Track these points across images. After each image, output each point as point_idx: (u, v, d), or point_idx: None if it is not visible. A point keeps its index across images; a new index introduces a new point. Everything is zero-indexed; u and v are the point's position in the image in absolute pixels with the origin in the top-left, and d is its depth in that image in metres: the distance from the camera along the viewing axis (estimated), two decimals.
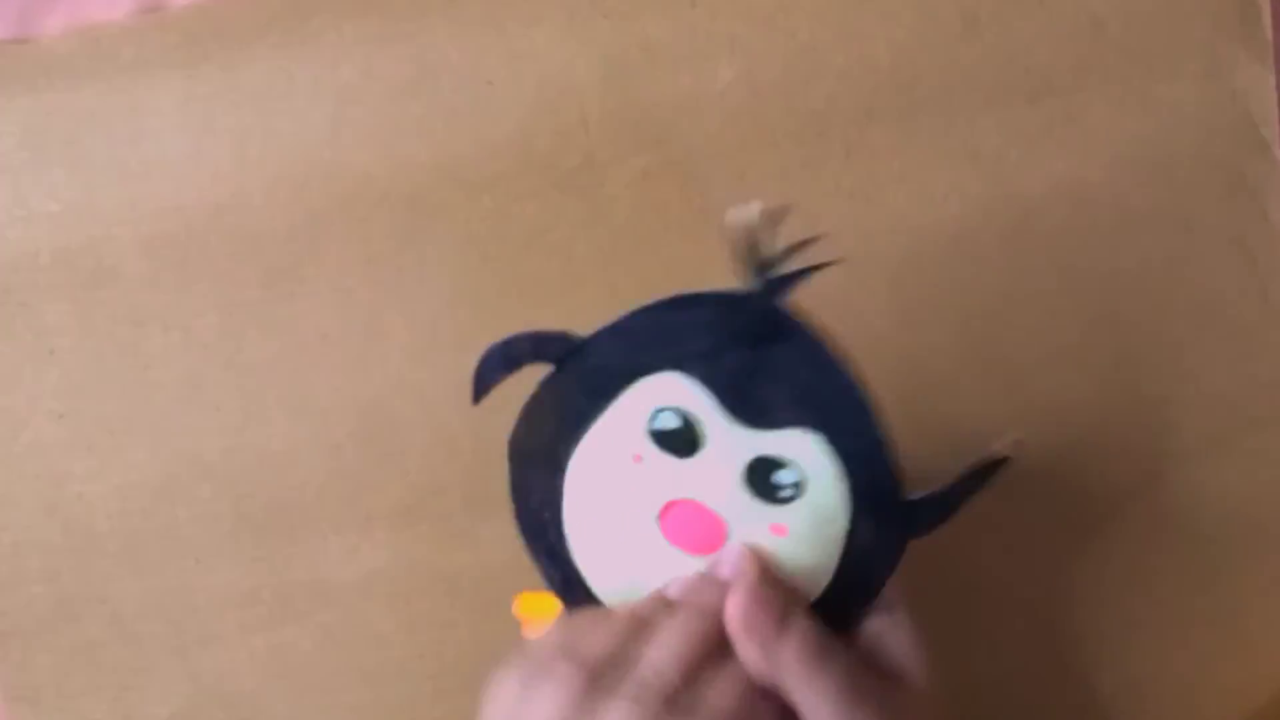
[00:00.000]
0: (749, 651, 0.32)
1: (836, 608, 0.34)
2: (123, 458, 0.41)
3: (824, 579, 0.34)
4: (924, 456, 0.42)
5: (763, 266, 0.32)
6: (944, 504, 0.33)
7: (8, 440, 0.41)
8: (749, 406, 0.33)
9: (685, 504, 0.34)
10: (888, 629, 0.35)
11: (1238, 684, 0.43)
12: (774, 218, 0.31)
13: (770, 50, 0.39)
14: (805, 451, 0.33)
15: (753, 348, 0.33)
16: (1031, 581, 0.43)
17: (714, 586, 0.33)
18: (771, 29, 0.39)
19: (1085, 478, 0.42)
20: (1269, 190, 0.41)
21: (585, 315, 0.33)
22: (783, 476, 0.33)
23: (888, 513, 0.33)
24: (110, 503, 0.42)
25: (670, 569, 0.34)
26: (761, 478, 0.33)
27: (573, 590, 0.34)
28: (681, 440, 0.34)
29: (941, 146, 0.40)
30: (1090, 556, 0.43)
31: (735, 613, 0.32)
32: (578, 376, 0.34)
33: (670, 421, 0.34)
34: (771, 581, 0.33)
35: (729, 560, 0.33)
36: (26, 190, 0.40)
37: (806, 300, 0.40)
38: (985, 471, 0.33)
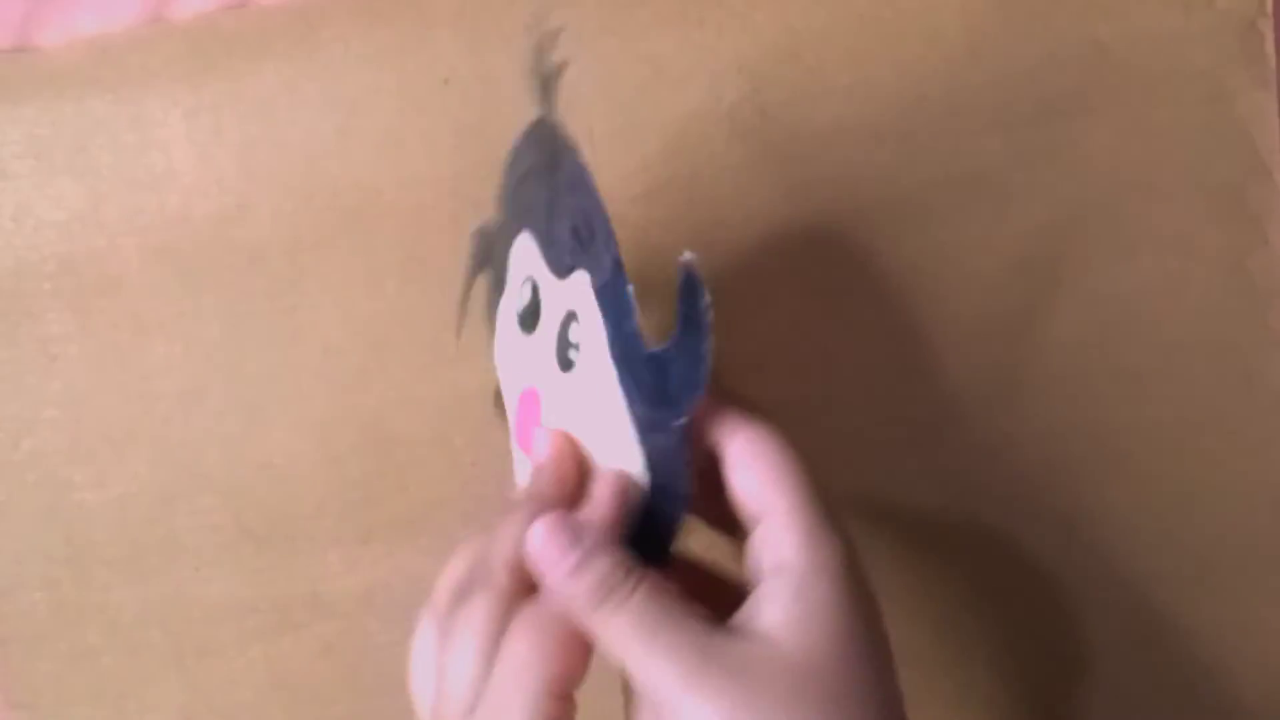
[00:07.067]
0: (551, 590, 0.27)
1: (656, 528, 0.28)
2: (123, 467, 0.41)
3: (639, 478, 0.28)
4: (929, 474, 0.43)
5: (544, 84, 0.29)
6: (685, 348, 0.26)
7: (9, 447, 0.41)
8: (555, 249, 0.28)
9: (528, 392, 0.30)
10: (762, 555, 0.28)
11: (1245, 684, 0.43)
12: (549, 38, 0.29)
13: (776, 71, 0.39)
14: (584, 297, 0.27)
15: (551, 176, 0.29)
16: (1031, 583, 0.43)
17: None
18: (778, 50, 0.39)
19: (1083, 497, 0.43)
20: (1270, 215, 0.41)
21: None
22: (573, 332, 0.28)
23: (644, 376, 0.27)
24: (110, 511, 0.42)
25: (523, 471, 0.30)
26: (564, 342, 0.28)
27: None
28: (530, 314, 0.30)
29: (945, 169, 0.40)
30: (1090, 567, 0.43)
31: (530, 549, 0.27)
32: (487, 259, 0.32)
33: (525, 295, 0.30)
34: (560, 518, 0.27)
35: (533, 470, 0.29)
36: (32, 199, 0.40)
37: (802, 323, 0.40)
38: (688, 288, 0.27)
